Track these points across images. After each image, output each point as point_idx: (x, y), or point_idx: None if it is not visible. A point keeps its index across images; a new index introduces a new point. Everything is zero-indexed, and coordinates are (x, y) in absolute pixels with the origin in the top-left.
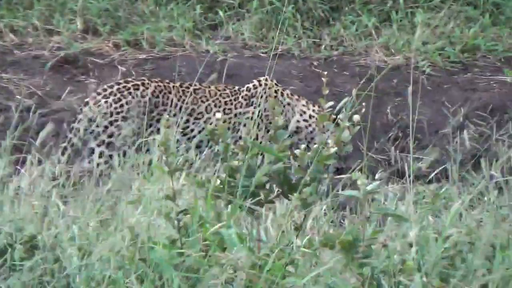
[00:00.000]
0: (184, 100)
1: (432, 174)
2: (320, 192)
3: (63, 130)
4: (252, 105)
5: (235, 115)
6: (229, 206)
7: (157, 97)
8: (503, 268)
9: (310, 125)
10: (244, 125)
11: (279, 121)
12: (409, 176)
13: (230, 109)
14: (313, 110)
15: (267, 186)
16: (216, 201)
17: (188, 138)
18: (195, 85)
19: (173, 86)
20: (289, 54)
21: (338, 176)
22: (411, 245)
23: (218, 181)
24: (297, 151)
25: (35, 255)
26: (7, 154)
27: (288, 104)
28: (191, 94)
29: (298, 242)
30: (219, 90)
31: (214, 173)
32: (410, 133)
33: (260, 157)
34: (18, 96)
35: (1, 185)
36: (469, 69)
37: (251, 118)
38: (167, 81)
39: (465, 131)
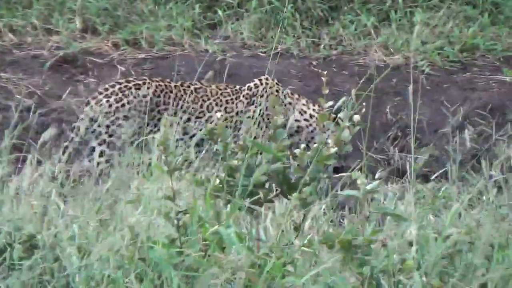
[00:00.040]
0: (185, 99)
1: (434, 176)
2: (320, 191)
3: (64, 129)
4: (253, 104)
5: (237, 113)
6: (229, 205)
7: (159, 96)
8: (502, 267)
9: (311, 124)
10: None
11: (278, 120)
12: (409, 176)
13: (231, 107)
14: (313, 110)
15: (267, 185)
16: (215, 201)
17: (190, 137)
18: (196, 84)
19: (174, 86)
20: (288, 53)
21: (338, 175)
22: (410, 245)
23: (218, 181)
24: (297, 151)
25: (35, 254)
26: (6, 154)
27: (289, 103)
28: (192, 93)
29: (297, 242)
30: (220, 89)
31: (214, 173)
32: (410, 133)
33: (260, 156)
34: (17, 96)
35: (1, 185)
36: (468, 69)
37: (252, 117)
38: (168, 80)
39: (466, 131)
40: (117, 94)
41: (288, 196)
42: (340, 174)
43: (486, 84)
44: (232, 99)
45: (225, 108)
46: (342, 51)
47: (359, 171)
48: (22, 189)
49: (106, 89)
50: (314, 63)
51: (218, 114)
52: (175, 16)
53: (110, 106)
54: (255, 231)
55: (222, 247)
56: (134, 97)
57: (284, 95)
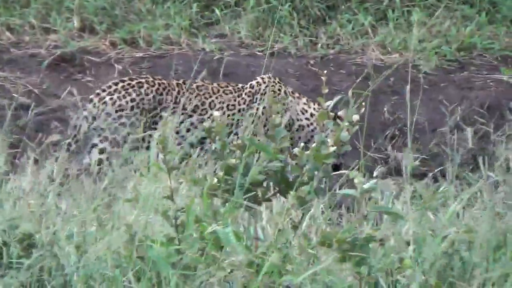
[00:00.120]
0: (187, 97)
1: (430, 174)
2: (319, 190)
3: (65, 127)
4: (255, 102)
5: (239, 111)
6: (226, 204)
7: (161, 94)
8: (500, 266)
9: (311, 123)
10: (252, 122)
11: (277, 119)
12: (404, 174)
13: (233, 105)
14: (314, 109)
15: (264, 184)
16: (213, 199)
17: (192, 135)
18: (197, 82)
19: (177, 84)
20: (286, 52)
21: (336, 173)
22: (408, 244)
23: (215, 179)
24: (295, 150)
25: (33, 253)
26: (3, 153)
27: (291, 102)
28: (194, 91)
29: (295, 241)
30: (221, 87)
31: (213, 171)
32: (407, 132)
33: (258, 155)
34: (14, 95)
35: None
36: (466, 68)
37: (255, 115)
38: (171, 78)
39: (468, 129)
40: (120, 92)
41: (286, 195)
42: (338, 172)
43: (483, 83)
44: (234, 97)
45: (227, 105)
46: (340, 50)
47: (357, 170)
48: (20, 188)
49: (109, 87)
50: (312, 62)
51: (216, 113)
52: (173, 15)
53: (113, 103)
54: (253, 230)
55: (220, 246)
56: (137, 95)
57: (287, 94)
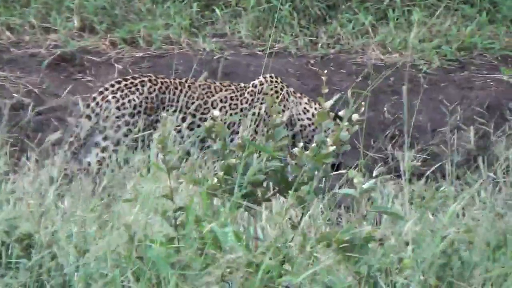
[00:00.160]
0: (190, 96)
1: (428, 172)
2: (319, 190)
3: (67, 125)
4: (258, 101)
5: (241, 110)
6: (227, 204)
7: (164, 93)
8: (499, 266)
9: (313, 123)
10: (254, 122)
11: (277, 119)
12: (403, 174)
13: (236, 104)
14: (315, 108)
15: (264, 184)
16: (212, 199)
17: (194, 134)
18: (200, 81)
19: (179, 82)
20: (286, 52)
21: (336, 172)
22: (407, 243)
23: (215, 179)
24: (295, 150)
25: (32, 253)
26: (3, 153)
27: (292, 102)
28: (197, 90)
29: (295, 241)
30: (224, 86)
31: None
32: (406, 131)
33: (257, 154)
34: (14, 94)
35: None
36: (466, 68)
37: (258, 114)
38: (173, 77)
39: (471, 128)
40: (122, 91)
41: (286, 195)
42: (338, 172)
43: (483, 83)
44: (236, 96)
45: (230, 104)
46: (340, 50)
47: (356, 170)
48: (20, 188)
49: (112, 85)
50: (312, 61)
51: (216, 112)
52: (173, 15)
53: (116, 102)
54: (252, 229)
55: (219, 246)
56: (140, 93)
57: (288, 94)
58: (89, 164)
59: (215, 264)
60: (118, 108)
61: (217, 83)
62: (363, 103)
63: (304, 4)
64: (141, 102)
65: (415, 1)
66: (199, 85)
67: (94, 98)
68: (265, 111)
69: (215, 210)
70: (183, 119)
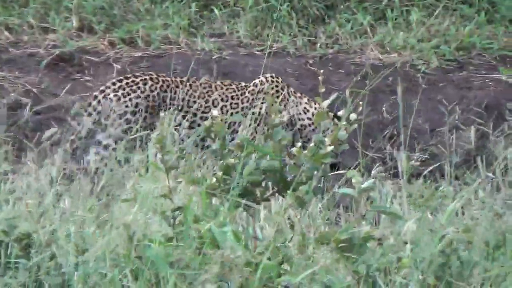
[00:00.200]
0: (191, 94)
1: (426, 172)
2: (318, 189)
3: (69, 124)
4: (258, 101)
5: (242, 109)
6: (226, 203)
7: (165, 91)
8: (498, 265)
9: (313, 123)
10: (255, 121)
11: (276, 119)
12: (401, 174)
13: (236, 103)
14: (315, 108)
15: (263, 183)
16: (211, 199)
17: (194, 133)
18: (201, 80)
19: (181, 81)
20: (284, 52)
21: (335, 173)
22: (406, 243)
23: (214, 179)
24: (293, 149)
25: (31, 252)
26: (2, 154)
27: (293, 101)
28: (198, 89)
29: (293, 240)
30: (225, 85)
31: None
32: (405, 131)
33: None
34: (13, 94)
35: None
36: (465, 67)
37: (259, 114)
38: (175, 76)
39: (472, 128)
40: (124, 89)
41: (285, 194)
42: (336, 172)
43: (482, 83)
44: (237, 95)
45: (231, 103)
46: (338, 50)
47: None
48: (19, 188)
49: (114, 84)
50: (310, 61)
51: (215, 112)
52: (171, 15)
53: (117, 100)
54: (251, 229)
55: (218, 245)
56: (142, 92)
57: (289, 93)
58: (88, 163)
59: (214, 264)
60: (119, 107)
61: (218, 82)
62: (360, 102)
63: (303, 4)
64: (142, 100)
65: (414, 1)
66: (200, 84)
67: (95, 97)
68: (265, 110)
69: (214, 209)
70: (184, 118)
